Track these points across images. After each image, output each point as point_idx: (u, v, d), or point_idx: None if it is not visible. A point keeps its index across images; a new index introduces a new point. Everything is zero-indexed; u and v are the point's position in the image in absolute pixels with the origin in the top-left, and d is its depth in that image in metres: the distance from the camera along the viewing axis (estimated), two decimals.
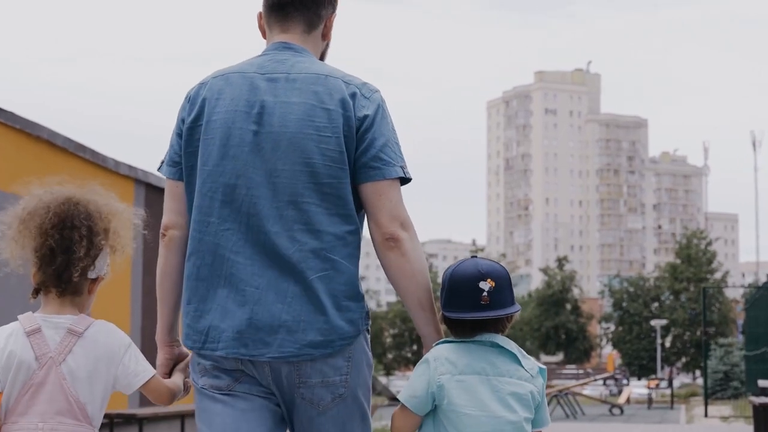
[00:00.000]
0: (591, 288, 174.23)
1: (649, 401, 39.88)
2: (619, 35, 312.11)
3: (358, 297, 3.55)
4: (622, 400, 35.11)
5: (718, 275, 79.54)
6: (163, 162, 3.74)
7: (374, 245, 3.58)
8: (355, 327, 3.53)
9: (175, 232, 3.68)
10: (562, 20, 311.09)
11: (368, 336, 3.64)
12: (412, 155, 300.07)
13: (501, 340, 3.63)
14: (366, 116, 3.57)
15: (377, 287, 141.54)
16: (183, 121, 3.65)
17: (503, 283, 3.64)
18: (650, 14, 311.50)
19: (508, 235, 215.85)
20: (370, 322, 3.63)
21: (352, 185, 3.56)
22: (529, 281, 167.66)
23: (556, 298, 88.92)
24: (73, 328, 3.47)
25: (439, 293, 3.75)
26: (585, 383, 35.30)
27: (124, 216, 3.65)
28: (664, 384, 45.13)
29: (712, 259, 79.56)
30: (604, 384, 40.08)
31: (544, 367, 3.70)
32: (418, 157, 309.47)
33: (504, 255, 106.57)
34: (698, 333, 74.56)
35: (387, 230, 3.53)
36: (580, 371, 44.83)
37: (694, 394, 47.19)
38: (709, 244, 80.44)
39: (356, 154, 3.56)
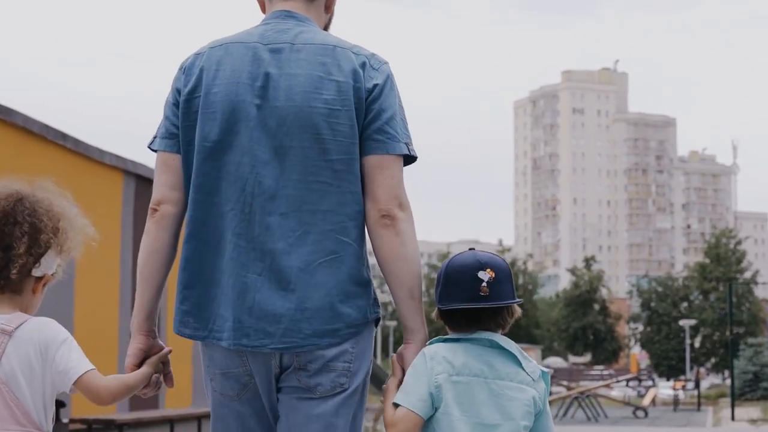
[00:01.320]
0: (619, 288, 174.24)
1: (675, 403, 39.16)
2: (646, 34, 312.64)
3: (365, 282, 3.43)
4: (646, 402, 34.56)
5: (747, 274, 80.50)
6: (155, 137, 3.55)
7: (367, 223, 3.43)
8: (362, 314, 3.41)
9: (168, 208, 3.50)
10: (589, 20, 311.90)
11: (374, 326, 3.50)
12: (439, 156, 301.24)
13: (501, 339, 3.47)
14: (375, 86, 3.45)
15: None
16: (179, 91, 3.50)
17: (503, 275, 3.46)
18: (677, 14, 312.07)
19: (535, 235, 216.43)
20: (379, 310, 3.49)
21: None
22: (557, 282, 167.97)
23: (584, 299, 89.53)
24: (4, 327, 3.30)
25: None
26: (606, 384, 34.94)
27: (74, 218, 3.49)
28: (690, 385, 44.64)
29: (741, 259, 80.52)
30: (627, 385, 39.41)
31: (547, 370, 3.53)
32: (445, 157, 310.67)
33: (531, 255, 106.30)
34: (727, 333, 74.62)
35: (384, 207, 3.39)
36: (606, 372, 44.22)
37: (723, 395, 46.97)
38: (739, 243, 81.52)
39: (363, 125, 3.43)
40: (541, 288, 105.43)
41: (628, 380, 37.21)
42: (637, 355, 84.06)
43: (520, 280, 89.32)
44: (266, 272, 3.35)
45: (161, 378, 3.61)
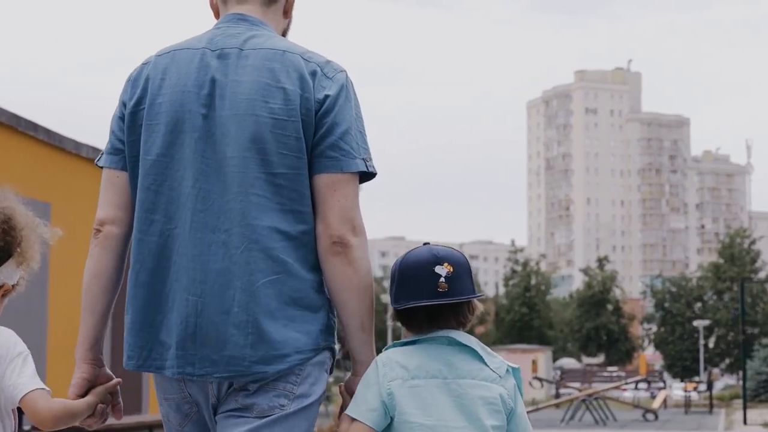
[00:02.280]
0: (633, 289, 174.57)
1: (687, 405, 38.55)
2: (659, 34, 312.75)
3: (315, 306, 3.23)
4: (656, 404, 33.93)
5: (762, 274, 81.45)
6: (102, 153, 3.41)
7: (318, 248, 3.23)
8: (312, 340, 3.21)
9: (112, 229, 3.33)
10: (602, 20, 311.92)
11: (329, 358, 3.30)
12: (451, 157, 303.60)
13: (459, 335, 3.29)
14: (327, 97, 3.23)
15: None
16: (124, 104, 3.35)
17: (462, 269, 3.31)
18: (691, 13, 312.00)
19: (549, 236, 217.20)
20: (333, 341, 3.29)
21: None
22: (570, 282, 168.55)
23: (597, 299, 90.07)
24: None
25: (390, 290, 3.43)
26: (616, 387, 34.51)
27: (35, 227, 3.38)
28: (702, 387, 44.27)
29: (755, 258, 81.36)
30: (636, 387, 38.90)
31: (516, 366, 3.33)
32: (458, 159, 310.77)
33: (544, 255, 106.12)
34: (740, 333, 75.42)
35: (336, 232, 3.20)
36: (615, 374, 43.83)
37: (737, 397, 46.93)
38: (753, 243, 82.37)
39: (313, 141, 3.22)
40: (555, 288, 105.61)
41: (637, 382, 36.63)
42: (647, 357, 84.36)
43: (533, 281, 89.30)
44: (208, 294, 3.18)
45: (108, 409, 3.42)
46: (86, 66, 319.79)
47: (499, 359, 3.31)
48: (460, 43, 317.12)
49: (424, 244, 3.38)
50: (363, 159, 3.25)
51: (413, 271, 3.29)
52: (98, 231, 3.35)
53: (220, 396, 3.24)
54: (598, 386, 36.17)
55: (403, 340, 3.37)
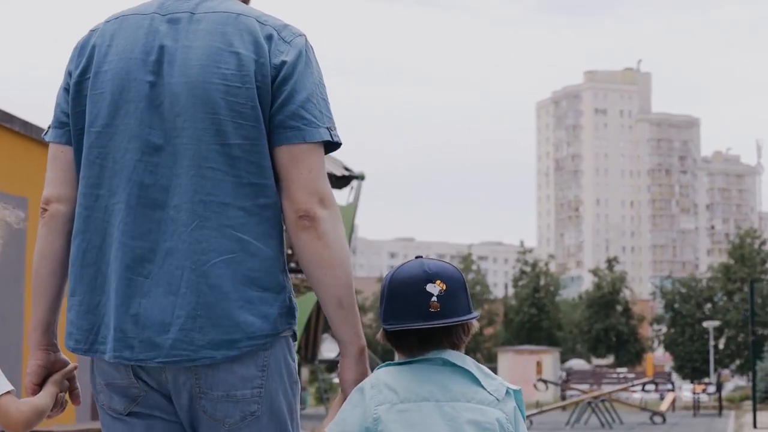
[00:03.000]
0: (643, 290, 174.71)
1: (695, 407, 38.14)
2: (669, 34, 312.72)
3: (275, 288, 3.04)
4: (664, 406, 33.75)
5: None
6: (49, 127, 3.26)
7: (286, 225, 3.06)
8: (269, 324, 3.01)
9: (59, 207, 3.18)
10: (611, 21, 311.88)
11: (292, 343, 3.13)
12: (461, 158, 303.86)
13: (454, 356, 3.10)
14: (284, 63, 3.05)
15: None
16: (70, 74, 3.19)
17: (456, 286, 3.11)
18: (700, 14, 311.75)
19: (558, 237, 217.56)
20: (294, 323, 3.10)
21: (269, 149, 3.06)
22: (580, 283, 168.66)
23: (606, 300, 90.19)
24: None
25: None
26: (621, 389, 34.15)
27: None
28: (711, 388, 44.03)
29: (766, 259, 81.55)
30: (643, 389, 38.60)
31: (517, 387, 3.13)
32: (468, 159, 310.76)
33: (553, 256, 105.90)
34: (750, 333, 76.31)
35: (302, 206, 3.01)
36: (622, 375, 43.60)
37: (747, 398, 47.36)
38: (763, 243, 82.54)
39: (271, 110, 3.04)
40: (565, 290, 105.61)
41: (644, 384, 36.27)
42: (656, 358, 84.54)
43: (542, 282, 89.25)
44: (154, 274, 3.01)
45: (67, 396, 3.31)
46: None
47: (497, 381, 3.10)
48: (469, 44, 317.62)
49: (416, 257, 3.18)
50: (327, 128, 3.05)
51: (403, 289, 3.09)
52: (44, 210, 3.20)
53: (177, 387, 3.05)
54: (606, 388, 35.89)
55: (394, 361, 3.18)
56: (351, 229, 29.80)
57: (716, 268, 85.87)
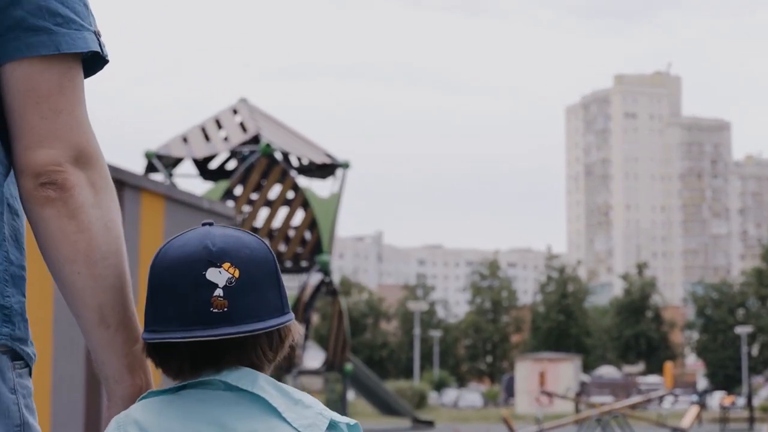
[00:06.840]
0: (675, 295, 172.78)
1: (722, 420, 35.64)
2: (698, 38, 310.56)
3: None
4: (686, 422, 30.42)
5: None
6: None
7: (20, 195, 2.01)
8: None
9: None
10: (640, 24, 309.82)
11: (25, 382, 2.02)
12: (490, 163, 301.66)
13: (240, 376, 2.01)
14: None
15: (446, 296, 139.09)
16: None
17: (257, 272, 1.99)
18: (730, 17, 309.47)
19: (588, 242, 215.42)
20: (33, 355, 2.05)
21: None
22: (610, 290, 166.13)
23: (636, 306, 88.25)
24: None
25: None
26: (635, 404, 31.71)
27: None
28: (741, 400, 41.93)
29: None
30: (660, 404, 36.24)
31: (352, 422, 2.02)
32: (497, 165, 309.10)
33: (580, 262, 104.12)
34: None
35: (44, 166, 1.96)
36: (642, 385, 41.74)
37: None
38: None
39: None
40: (595, 296, 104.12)
41: (660, 398, 33.87)
42: (689, 365, 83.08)
43: (570, 288, 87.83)
44: None
45: None
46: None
47: (312, 410, 1.97)
48: (498, 49, 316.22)
49: (204, 224, 2.01)
50: (95, 32, 1.99)
51: (170, 277, 1.96)
52: None
53: None
54: (632, 399, 33.84)
55: (163, 388, 2.04)
56: (333, 224, 26.97)
57: (749, 273, 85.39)
